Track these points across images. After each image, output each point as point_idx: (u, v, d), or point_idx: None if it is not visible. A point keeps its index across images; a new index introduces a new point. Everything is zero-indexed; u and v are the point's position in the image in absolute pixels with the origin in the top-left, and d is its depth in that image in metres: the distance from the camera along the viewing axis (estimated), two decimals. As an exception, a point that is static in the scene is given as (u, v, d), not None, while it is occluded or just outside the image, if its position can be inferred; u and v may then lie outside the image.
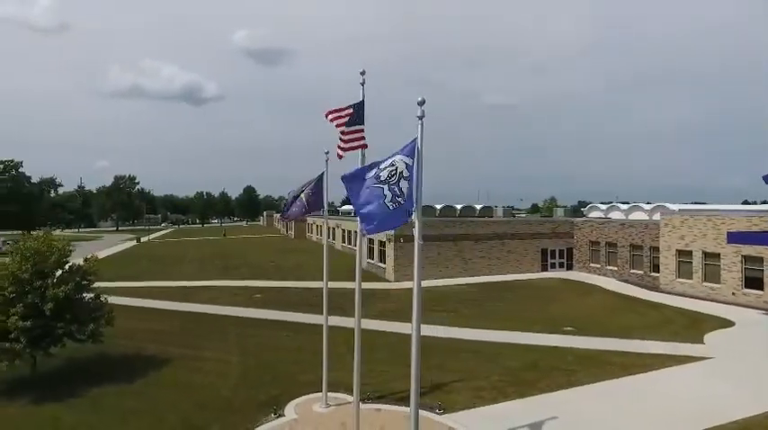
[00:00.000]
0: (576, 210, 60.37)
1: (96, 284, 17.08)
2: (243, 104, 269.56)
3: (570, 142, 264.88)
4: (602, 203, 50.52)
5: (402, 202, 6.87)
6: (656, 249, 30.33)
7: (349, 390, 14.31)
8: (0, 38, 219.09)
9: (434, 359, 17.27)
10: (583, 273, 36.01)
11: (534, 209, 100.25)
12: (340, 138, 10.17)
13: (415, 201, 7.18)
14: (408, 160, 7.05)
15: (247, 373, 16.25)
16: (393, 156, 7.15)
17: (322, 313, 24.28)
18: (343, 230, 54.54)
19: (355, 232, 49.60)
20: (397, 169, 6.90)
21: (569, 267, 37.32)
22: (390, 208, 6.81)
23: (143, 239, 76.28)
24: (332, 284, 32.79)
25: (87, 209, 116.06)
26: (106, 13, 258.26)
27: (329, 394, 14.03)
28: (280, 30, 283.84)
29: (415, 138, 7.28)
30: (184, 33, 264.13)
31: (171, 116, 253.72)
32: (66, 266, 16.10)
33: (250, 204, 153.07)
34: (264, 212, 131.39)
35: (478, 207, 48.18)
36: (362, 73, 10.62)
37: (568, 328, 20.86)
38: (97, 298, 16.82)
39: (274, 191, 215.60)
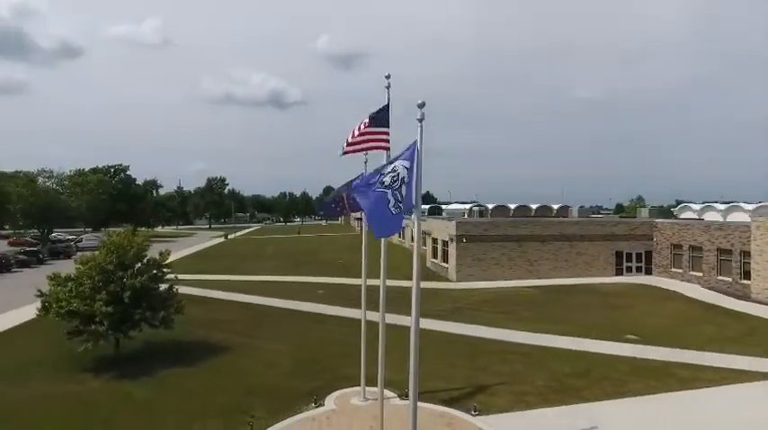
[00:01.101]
0: (666, 210, 55.80)
1: (184, 276, 18.96)
2: (324, 107, 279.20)
3: (669, 137, 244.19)
4: (700, 203, 46.37)
5: (402, 207, 7.12)
6: (748, 254, 27.35)
7: (390, 386, 14.74)
8: (114, 54, 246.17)
9: (481, 360, 17.17)
10: (663, 278, 33.35)
11: (619, 208, 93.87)
12: (358, 137, 10.41)
13: (414, 202, 7.38)
14: (407, 164, 7.27)
15: (297, 364, 17.19)
16: (394, 161, 7.40)
17: (392, 312, 24.95)
18: (419, 229, 54.86)
19: (426, 232, 49.71)
20: (399, 175, 7.16)
21: (648, 272, 34.72)
22: (393, 212, 7.09)
23: (230, 236, 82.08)
24: (394, 283, 33.48)
25: (185, 208, 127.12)
26: (202, 28, 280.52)
27: (369, 389, 14.48)
28: (358, 33, 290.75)
29: (415, 142, 7.48)
30: (271, 44, 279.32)
31: (259, 120, 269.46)
32: (144, 260, 18.03)
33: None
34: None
35: (556, 207, 46.24)
36: (387, 77, 10.93)
37: (632, 337, 19.60)
38: (170, 289, 18.67)
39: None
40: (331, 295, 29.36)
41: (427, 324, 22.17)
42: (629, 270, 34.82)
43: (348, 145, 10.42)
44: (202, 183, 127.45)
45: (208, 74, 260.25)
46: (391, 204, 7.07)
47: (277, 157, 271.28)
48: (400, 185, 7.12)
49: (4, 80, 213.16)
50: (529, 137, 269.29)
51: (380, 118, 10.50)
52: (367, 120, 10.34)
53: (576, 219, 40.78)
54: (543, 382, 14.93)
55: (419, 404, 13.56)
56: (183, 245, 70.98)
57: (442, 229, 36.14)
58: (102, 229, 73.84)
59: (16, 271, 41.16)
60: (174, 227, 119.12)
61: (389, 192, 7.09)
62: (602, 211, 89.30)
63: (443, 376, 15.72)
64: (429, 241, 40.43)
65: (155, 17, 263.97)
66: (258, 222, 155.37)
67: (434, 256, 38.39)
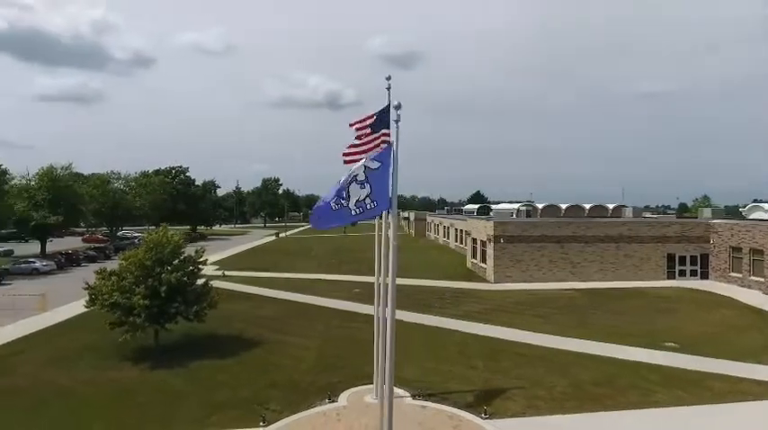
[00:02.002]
0: (732, 210, 51.78)
1: (231, 273, 20.00)
2: (377, 107, 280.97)
3: (747, 132, 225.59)
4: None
5: (345, 205, 7.23)
6: (816, 258, 24.96)
7: (405, 385, 14.90)
8: (181, 61, 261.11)
9: (504, 363, 16.90)
10: (720, 283, 31.06)
11: (682, 208, 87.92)
12: (358, 144, 10.61)
13: (389, 201, 7.48)
14: (373, 164, 7.37)
15: (321, 360, 17.67)
16: (366, 160, 7.52)
17: (413, 310, 25.12)
18: (456, 230, 54.40)
19: (466, 231, 48.83)
20: (354, 174, 7.28)
21: (704, 276, 32.45)
22: (334, 208, 7.23)
23: (281, 235, 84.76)
24: (433, 283, 33.43)
25: (242, 207, 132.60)
26: (263, 34, 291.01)
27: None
28: (413, 33, 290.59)
29: (391, 143, 7.58)
30: (327, 46, 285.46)
31: (314, 122, 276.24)
32: (181, 257, 19.15)
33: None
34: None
35: (611, 207, 44.16)
36: (388, 78, 11.06)
37: (670, 344, 18.52)
38: (205, 284, 19.73)
39: (405, 190, 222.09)
40: (366, 294, 29.68)
41: (453, 324, 22.11)
42: (683, 274, 32.70)
43: (352, 153, 10.63)
44: (260, 184, 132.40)
45: (267, 77, 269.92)
46: (333, 200, 7.22)
47: (331, 157, 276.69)
48: (349, 184, 7.24)
49: (82, 89, 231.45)
50: (587, 133, 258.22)
51: (382, 119, 10.64)
52: (370, 123, 10.47)
53: (623, 219, 38.77)
54: (562, 389, 14.49)
55: (428, 404, 13.73)
56: (236, 242, 74.17)
57: (481, 229, 35.59)
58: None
59: (84, 265, 44.71)
60: (232, 225, 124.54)
61: (337, 188, 7.25)
62: (667, 212, 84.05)
63: (461, 377, 15.64)
64: (469, 241, 39.94)
65: (219, 25, 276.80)
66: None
67: (474, 257, 37.86)
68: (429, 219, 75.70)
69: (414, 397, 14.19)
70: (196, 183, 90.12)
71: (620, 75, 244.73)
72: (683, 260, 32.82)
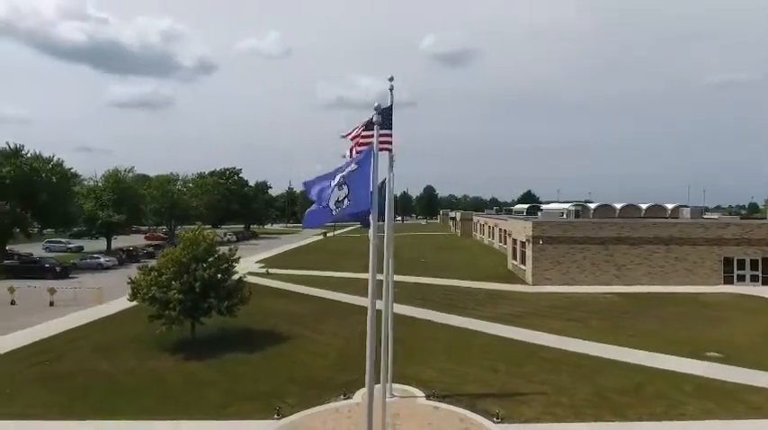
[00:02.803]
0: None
1: (275, 271, 20.83)
2: (430, 107, 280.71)
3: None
4: None
5: (326, 205, 7.39)
6: None
7: (422, 385, 14.92)
8: (241, 66, 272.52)
9: (528, 367, 16.50)
10: (786, 289, 28.58)
11: (752, 208, 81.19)
12: (361, 141, 10.61)
13: (369, 201, 7.59)
14: (353, 166, 7.50)
15: (343, 357, 17.97)
16: (348, 163, 7.67)
17: (442, 311, 24.98)
18: (500, 230, 53.31)
19: (507, 232, 47.85)
20: (338, 176, 7.44)
21: (766, 282, 29.95)
22: (321, 207, 7.41)
23: (328, 234, 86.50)
24: (469, 284, 33.03)
25: (293, 207, 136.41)
26: (318, 37, 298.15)
27: (399, 386, 14.80)
28: (466, 30, 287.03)
29: (371, 145, 7.68)
30: (379, 47, 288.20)
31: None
32: (215, 255, 20.09)
33: (429, 203, 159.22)
34: (441, 211, 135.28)
35: (670, 207, 41.69)
36: (391, 79, 11.15)
37: (713, 354, 17.33)
38: (238, 281, 20.59)
39: (456, 190, 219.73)
40: (401, 293, 29.79)
41: (482, 326, 21.78)
42: (742, 279, 30.35)
43: (359, 145, 10.58)
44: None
45: (322, 80, 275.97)
46: (323, 199, 7.40)
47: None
48: (335, 186, 7.40)
49: (152, 96, 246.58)
50: (655, 129, 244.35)
51: (383, 120, 10.68)
52: (366, 121, 10.52)
53: (675, 220, 36.47)
54: (585, 396, 13.96)
55: (441, 405, 13.66)
56: (285, 241, 76.55)
57: (520, 230, 34.73)
58: (219, 226, 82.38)
59: (144, 261, 47.71)
60: (284, 224, 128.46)
61: (327, 190, 7.42)
62: (740, 212, 78.03)
63: (480, 380, 15.43)
64: (509, 242, 39.07)
65: (276, 30, 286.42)
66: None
67: (514, 258, 37.01)
68: (475, 219, 74.63)
69: (428, 397, 14.16)
70: (249, 183, 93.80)
71: (694, 64, 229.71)
72: (741, 264, 30.46)
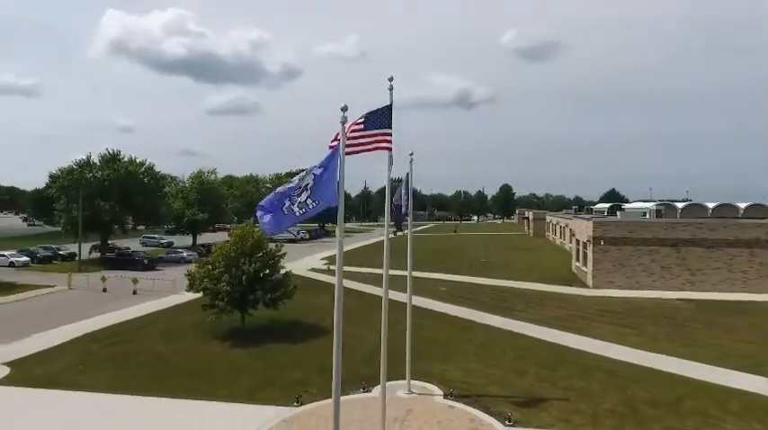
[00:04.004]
0: None
1: (347, 269, 21.86)
2: (510, 104, 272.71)
3: None
4: None
5: (288, 211, 7.69)
6: None
7: (444, 384, 14.99)
8: (322, 69, 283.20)
9: (560, 372, 15.91)
10: None
11: None
12: (360, 139, 10.71)
13: (334, 200, 7.87)
14: (318, 170, 7.82)
15: (373, 352, 18.34)
16: (312, 168, 7.97)
17: (488, 311, 24.61)
18: (570, 230, 50.74)
19: (573, 232, 45.62)
20: (303, 183, 7.77)
21: None
22: (285, 213, 7.76)
23: (398, 233, 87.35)
24: (526, 285, 32.13)
25: (368, 206, 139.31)
26: (394, 38, 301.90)
27: (420, 383, 14.99)
28: (548, 23, 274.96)
29: (338, 145, 7.99)
30: (456, 46, 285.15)
31: (445, 121, 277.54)
32: (263, 250, 21.42)
33: (506, 202, 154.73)
34: (517, 210, 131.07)
35: (743, 206, 37.36)
36: (390, 79, 11.34)
37: (779, 370, 15.51)
38: (285, 276, 21.81)
39: (540, 189, 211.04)
40: (450, 293, 29.72)
41: (525, 328, 21.19)
42: None
43: (349, 146, 10.65)
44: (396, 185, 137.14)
45: (399, 80, 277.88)
46: (285, 206, 7.72)
47: (459, 156, 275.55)
48: (300, 193, 7.71)
49: (242, 102, 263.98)
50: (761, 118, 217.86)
51: (383, 119, 10.88)
52: (362, 120, 10.71)
53: (761, 221, 32.46)
54: (611, 405, 13.22)
55: (457, 405, 13.68)
56: (355, 240, 78.52)
57: (582, 230, 32.94)
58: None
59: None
60: (359, 223, 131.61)
61: (287, 198, 7.71)
62: None
63: (504, 382, 15.15)
64: (573, 242, 37.18)
65: (353, 33, 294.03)
66: (437, 220, 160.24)
67: (577, 259, 35.17)
68: (548, 218, 71.55)
69: (445, 396, 14.19)
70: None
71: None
72: None
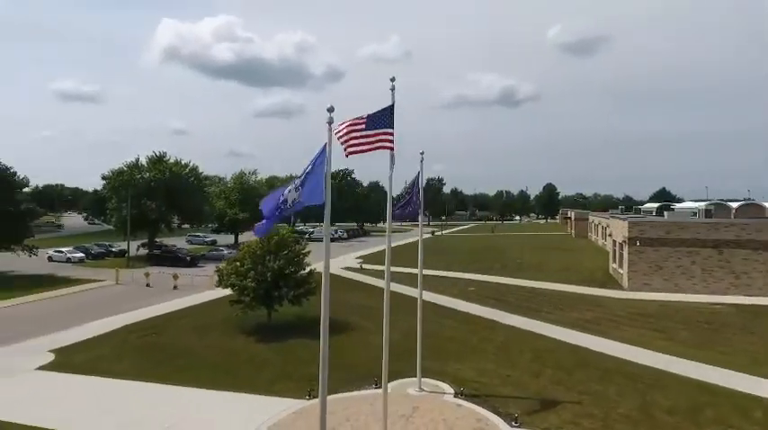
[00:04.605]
0: None
1: (368, 266, 22.52)
2: (556, 101, 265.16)
3: None
4: None
5: (283, 205, 8.00)
6: None
7: (456, 383, 15.01)
8: (362, 70, 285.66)
9: (577, 375, 15.57)
10: None
11: None
12: (362, 139, 10.84)
13: (319, 197, 8.13)
14: (308, 168, 8.10)
15: (394, 350, 18.37)
16: (306, 168, 8.27)
17: (514, 313, 24.30)
18: (609, 231, 48.91)
19: (610, 232, 44.04)
20: (295, 181, 8.09)
21: None
22: (277, 214, 8.08)
23: (436, 233, 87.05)
24: (559, 287, 31.33)
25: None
26: (437, 38, 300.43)
27: (431, 381, 15.11)
28: (595, 16, 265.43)
29: (325, 144, 8.25)
30: (499, 44, 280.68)
31: (488, 120, 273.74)
32: (288, 249, 22.05)
33: (550, 202, 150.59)
34: (560, 210, 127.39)
35: None
36: (392, 80, 11.49)
37: (818, 380, 14.51)
38: (309, 274, 22.34)
39: (587, 188, 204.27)
40: (477, 293, 29.46)
41: (548, 330, 20.82)
42: None
43: (351, 146, 10.83)
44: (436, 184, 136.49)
45: (441, 80, 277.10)
46: (279, 202, 8.04)
47: (503, 155, 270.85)
48: (290, 190, 8.02)
49: (287, 104, 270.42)
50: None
51: (384, 119, 11.03)
52: (364, 120, 10.87)
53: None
54: (625, 411, 12.83)
55: (465, 404, 13.71)
56: (392, 239, 78.75)
57: (618, 230, 31.77)
58: (332, 224, 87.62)
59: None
60: (398, 223, 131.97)
61: (281, 196, 8.04)
62: None
63: (517, 383, 14.98)
64: (610, 243, 35.89)
65: (395, 33, 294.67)
66: (478, 220, 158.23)
67: (614, 260, 33.93)
68: (590, 218, 69.18)
69: (455, 395, 14.20)
70: (363, 184, 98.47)
71: None
72: None
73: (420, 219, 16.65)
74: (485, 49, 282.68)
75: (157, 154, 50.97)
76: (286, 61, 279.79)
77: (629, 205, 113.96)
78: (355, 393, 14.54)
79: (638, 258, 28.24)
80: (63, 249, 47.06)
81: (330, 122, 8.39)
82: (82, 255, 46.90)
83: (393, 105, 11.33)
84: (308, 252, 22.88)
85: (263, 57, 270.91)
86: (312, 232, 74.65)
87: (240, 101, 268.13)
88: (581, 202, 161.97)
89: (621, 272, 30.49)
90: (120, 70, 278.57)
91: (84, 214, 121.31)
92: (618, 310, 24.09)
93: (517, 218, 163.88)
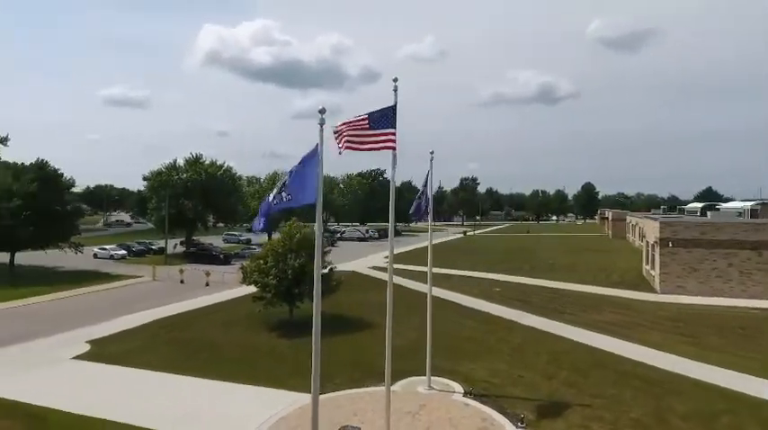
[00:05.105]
0: None
1: (398, 266, 22.99)
2: (596, 98, 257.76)
3: None
4: None
5: (271, 201, 8.32)
6: None
7: (466, 382, 15.04)
8: (400, 71, 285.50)
9: (592, 378, 15.29)
10: None
11: None
12: (362, 137, 11.00)
13: (310, 196, 8.40)
14: (298, 167, 8.38)
15: (408, 348, 18.74)
16: (295, 166, 8.55)
17: (537, 314, 24.01)
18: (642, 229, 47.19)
19: (643, 233, 42.51)
20: (284, 180, 8.41)
21: None
22: (265, 206, 8.41)
23: (468, 233, 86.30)
24: (588, 289, 30.72)
25: (440, 206, 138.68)
26: (474, 36, 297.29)
27: (443, 380, 15.19)
28: (637, 10, 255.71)
29: (317, 145, 8.51)
30: (537, 41, 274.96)
31: (526, 118, 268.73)
32: (307, 247, 22.55)
33: (588, 202, 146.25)
34: (599, 210, 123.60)
35: None
36: (395, 80, 11.64)
37: None
38: (330, 271, 22.79)
39: (630, 188, 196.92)
40: (502, 293, 29.15)
41: (569, 332, 20.57)
42: None
43: (351, 142, 10.93)
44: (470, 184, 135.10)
45: (477, 78, 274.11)
46: (269, 199, 8.37)
47: (541, 153, 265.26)
48: (280, 186, 8.34)
49: (325, 106, 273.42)
50: None
51: (387, 119, 11.18)
52: (366, 119, 11.03)
53: None
54: (637, 415, 12.53)
55: (473, 403, 13.77)
56: (423, 239, 78.66)
57: (650, 231, 30.68)
58: (364, 223, 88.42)
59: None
60: (434, 223, 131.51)
61: (273, 192, 8.40)
62: None
63: (529, 385, 14.86)
64: (644, 244, 34.69)
65: (431, 33, 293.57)
66: (514, 220, 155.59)
67: (647, 262, 32.78)
68: (628, 219, 66.87)
69: (464, 394, 14.22)
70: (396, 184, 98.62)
71: None
72: None
73: (429, 218, 16.71)
74: (521, 47, 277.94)
75: (194, 155, 52.95)
76: (323, 63, 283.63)
77: (672, 205, 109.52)
78: (366, 389, 14.79)
79: (670, 260, 27.21)
80: (107, 247, 49.62)
81: (322, 124, 8.65)
82: (124, 252, 49.30)
83: (396, 105, 11.48)
84: (329, 250, 23.32)
85: (301, 59, 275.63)
86: (344, 232, 75.58)
87: (279, 102, 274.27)
88: (622, 202, 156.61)
89: (654, 274, 29.45)
90: (164, 76, 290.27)
91: (130, 213, 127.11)
92: (646, 314, 23.33)
93: (554, 218, 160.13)
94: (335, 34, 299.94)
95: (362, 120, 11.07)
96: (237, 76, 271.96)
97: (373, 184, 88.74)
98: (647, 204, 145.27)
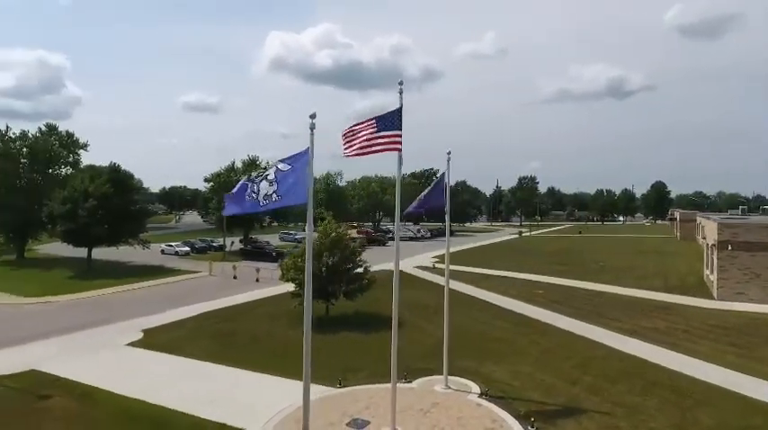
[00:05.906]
0: None
1: (443, 266, 23.47)
2: (674, 91, 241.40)
3: None
4: None
5: (255, 198, 8.84)
6: None
7: (485, 383, 15.07)
8: (461, 69, 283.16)
9: (619, 386, 14.81)
10: None
11: None
12: (367, 141, 11.38)
13: (301, 198, 8.88)
14: (284, 167, 8.87)
15: (435, 347, 18.81)
16: (276, 163, 9.07)
17: (576, 318, 23.36)
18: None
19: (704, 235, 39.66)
20: (265, 173, 8.94)
21: None
22: (246, 199, 8.95)
23: (523, 234, 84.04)
24: (639, 293, 29.32)
25: (499, 206, 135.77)
26: (536, 32, 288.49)
27: (461, 380, 15.31)
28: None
29: (308, 148, 8.98)
30: (603, 32, 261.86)
31: (594, 115, 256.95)
32: (342, 246, 23.26)
33: (658, 201, 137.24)
34: (670, 211, 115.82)
35: None
36: (400, 83, 11.90)
37: None
38: (365, 270, 23.40)
39: (710, 186, 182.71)
40: (543, 296, 28.44)
41: (605, 337, 19.99)
42: None
43: (357, 147, 11.36)
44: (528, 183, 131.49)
45: (540, 74, 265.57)
46: (247, 192, 8.92)
47: (610, 151, 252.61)
48: (261, 180, 8.85)
49: (385, 106, 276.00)
50: None
51: (392, 121, 11.50)
52: (374, 122, 11.40)
53: None
54: (659, 426, 12.04)
55: (487, 404, 13.90)
56: (477, 239, 77.61)
57: (710, 232, 28.63)
58: (413, 224, 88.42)
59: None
60: (489, 223, 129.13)
61: (250, 183, 8.94)
62: None
63: (548, 389, 14.63)
64: (705, 247, 32.40)
65: (491, 30, 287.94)
66: (576, 220, 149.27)
67: (707, 266, 30.60)
68: (698, 220, 62.25)
69: (480, 395, 14.24)
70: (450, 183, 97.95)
71: None
72: None
73: (447, 218, 16.84)
74: (587, 40, 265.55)
75: (250, 157, 55.71)
76: (383, 64, 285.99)
77: (756, 205, 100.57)
78: (387, 385, 15.12)
79: (729, 264, 25.32)
80: (173, 243, 53.34)
81: (312, 128, 9.12)
82: (188, 248, 52.74)
83: (401, 108, 11.77)
84: (362, 250, 23.91)
85: (361, 60, 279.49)
86: (419, 232, 76.01)
87: (339, 104, 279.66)
88: (697, 202, 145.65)
89: (713, 279, 27.52)
90: (234, 82, 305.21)
91: (199, 213, 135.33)
92: (696, 322, 21.93)
93: (620, 219, 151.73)
94: (395, 35, 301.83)
95: (371, 124, 11.51)
96: (302, 80, 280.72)
97: (425, 185, 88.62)
98: (727, 204, 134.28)
